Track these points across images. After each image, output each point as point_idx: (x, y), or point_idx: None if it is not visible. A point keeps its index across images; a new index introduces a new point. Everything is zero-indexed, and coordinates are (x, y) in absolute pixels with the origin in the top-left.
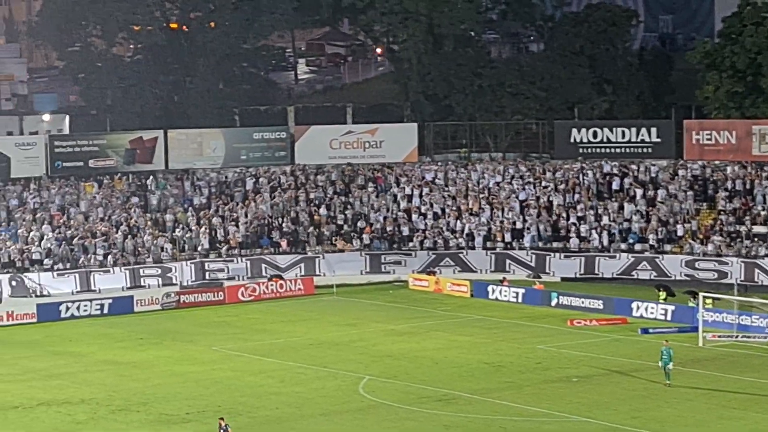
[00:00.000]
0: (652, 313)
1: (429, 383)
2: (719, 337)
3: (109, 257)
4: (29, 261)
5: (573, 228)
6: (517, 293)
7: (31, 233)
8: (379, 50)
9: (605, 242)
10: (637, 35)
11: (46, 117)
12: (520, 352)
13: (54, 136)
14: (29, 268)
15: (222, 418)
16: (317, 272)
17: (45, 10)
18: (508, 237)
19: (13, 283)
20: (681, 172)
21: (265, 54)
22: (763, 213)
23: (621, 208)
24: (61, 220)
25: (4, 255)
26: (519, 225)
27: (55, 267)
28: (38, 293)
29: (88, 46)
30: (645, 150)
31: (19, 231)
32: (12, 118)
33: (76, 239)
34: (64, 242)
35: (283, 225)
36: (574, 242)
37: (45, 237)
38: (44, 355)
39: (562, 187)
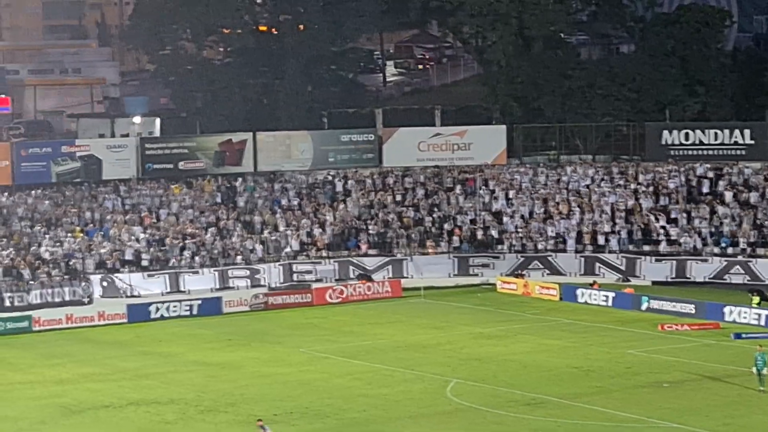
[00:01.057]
0: (745, 317)
1: (517, 387)
2: None
3: (198, 258)
4: (120, 262)
5: (664, 231)
6: (606, 297)
7: (122, 234)
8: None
9: (697, 245)
10: (731, 36)
11: (137, 119)
12: (610, 357)
13: (144, 139)
14: (120, 268)
15: (260, 420)
16: (405, 274)
17: (136, 14)
18: (598, 240)
19: (105, 283)
20: None
21: (354, 56)
22: None
23: (713, 211)
24: (151, 222)
25: (96, 256)
26: (609, 228)
27: (146, 268)
28: (129, 294)
29: (178, 49)
30: (738, 152)
31: (111, 232)
32: (104, 120)
33: (166, 240)
34: (154, 243)
35: (371, 227)
36: (664, 246)
37: (135, 238)
38: (134, 356)
39: (652, 189)
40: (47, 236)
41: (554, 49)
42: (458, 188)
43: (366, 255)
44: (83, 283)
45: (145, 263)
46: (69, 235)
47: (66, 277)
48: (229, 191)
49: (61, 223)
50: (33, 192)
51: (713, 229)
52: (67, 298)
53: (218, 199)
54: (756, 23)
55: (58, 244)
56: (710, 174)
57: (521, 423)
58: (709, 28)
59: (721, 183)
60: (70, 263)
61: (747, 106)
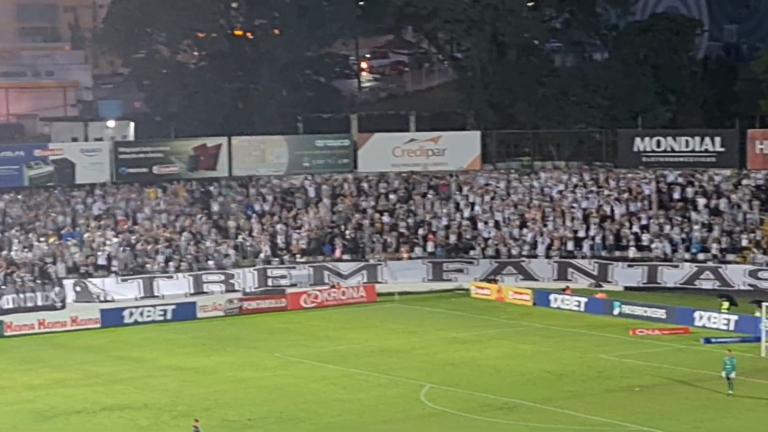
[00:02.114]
0: (714, 322)
1: (491, 392)
2: None
3: (172, 263)
4: (93, 266)
5: (635, 237)
6: (579, 302)
7: (96, 239)
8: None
9: (668, 251)
10: (702, 44)
11: (111, 123)
12: (582, 361)
13: (118, 143)
14: (93, 273)
15: (197, 420)
16: (379, 279)
17: (110, 17)
18: (570, 246)
19: (78, 288)
20: (745, 182)
21: (329, 61)
22: None
23: (684, 217)
24: (125, 226)
25: (69, 260)
26: (582, 234)
27: (119, 272)
28: (102, 299)
29: (152, 53)
30: (709, 159)
31: (84, 236)
32: (77, 124)
33: (139, 245)
34: (127, 248)
35: (346, 232)
36: (636, 251)
37: (109, 243)
38: (108, 360)
39: (625, 196)
40: (19, 240)
41: (528, 56)
42: (432, 194)
43: (341, 260)
44: (56, 288)
45: (118, 268)
46: (42, 239)
47: (38, 281)
48: (203, 196)
49: (33, 227)
50: (5, 196)
51: (684, 236)
52: (39, 302)
53: (192, 204)
54: (726, 32)
55: (30, 248)
56: (681, 180)
57: (495, 427)
58: (680, 37)
59: (691, 190)
60: (43, 268)
61: (718, 114)
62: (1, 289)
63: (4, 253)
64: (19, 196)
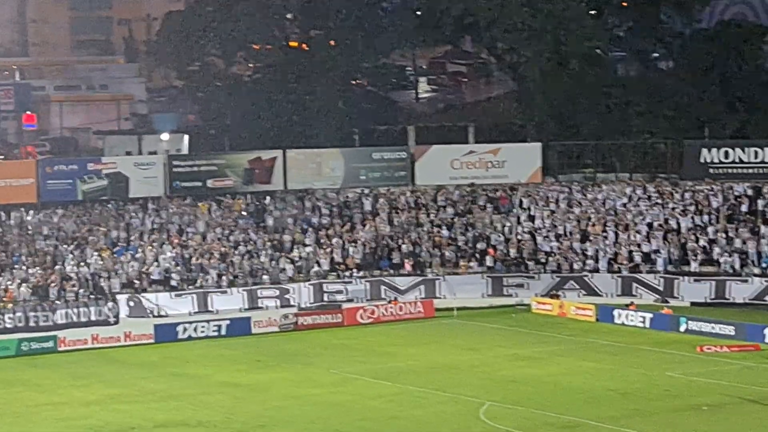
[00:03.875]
0: None
1: (552, 409)
2: None
3: (226, 278)
4: (147, 281)
5: (703, 251)
6: (644, 318)
7: (150, 253)
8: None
9: (737, 266)
10: None
11: (165, 137)
12: (648, 379)
13: (173, 156)
14: (147, 288)
15: None
16: (437, 294)
17: (164, 29)
18: (635, 260)
19: (131, 303)
20: None
21: (386, 72)
22: None
23: (753, 230)
24: (179, 241)
25: (123, 275)
26: (646, 248)
27: (173, 287)
28: (156, 314)
29: (206, 65)
30: None
31: (138, 251)
32: (131, 137)
33: (193, 259)
34: (182, 262)
35: (403, 246)
36: (704, 266)
37: (163, 257)
38: (161, 377)
39: (691, 208)
40: (73, 255)
41: (591, 66)
42: (491, 207)
43: (398, 275)
44: (110, 303)
45: (172, 283)
46: (95, 254)
47: (92, 296)
48: (258, 209)
49: (87, 241)
50: (59, 210)
51: (753, 249)
52: (93, 317)
53: (248, 218)
54: None
55: (84, 263)
56: (750, 193)
57: None
58: (748, 45)
59: (761, 202)
60: (97, 282)
61: None
62: (55, 304)
63: (58, 267)
64: (73, 210)
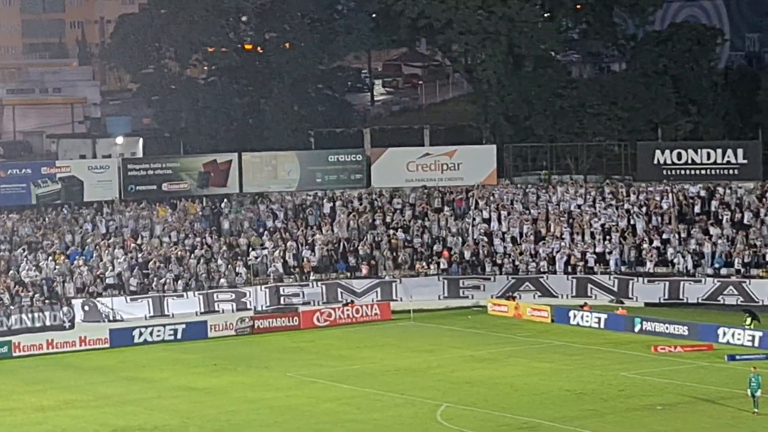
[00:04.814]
0: (739, 339)
1: (509, 411)
2: None
3: (182, 281)
4: (102, 286)
5: (656, 252)
6: (599, 319)
7: (104, 258)
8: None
9: (690, 266)
10: (723, 54)
11: (120, 140)
12: (603, 379)
13: (127, 160)
14: (102, 292)
15: None
16: (394, 297)
17: (118, 32)
18: (589, 261)
19: (86, 308)
20: None
21: (341, 75)
22: None
23: (706, 231)
24: (134, 245)
25: (78, 280)
26: (601, 249)
27: (129, 292)
28: (111, 318)
29: (161, 68)
30: (731, 172)
31: (93, 255)
32: (85, 141)
33: (149, 263)
34: (137, 267)
35: (360, 249)
36: (658, 267)
37: (118, 261)
38: (117, 381)
39: (644, 210)
40: (27, 260)
41: (545, 68)
42: (448, 209)
43: (355, 277)
44: (65, 308)
45: (128, 287)
46: (50, 258)
47: (47, 301)
48: (213, 213)
49: (41, 246)
50: (12, 215)
51: (706, 250)
52: (48, 323)
53: (203, 222)
54: (748, 41)
55: (38, 267)
56: (703, 194)
57: None
58: (701, 47)
59: (714, 203)
60: (51, 287)
61: (740, 125)
62: (9, 309)
63: (12, 272)
64: (27, 215)
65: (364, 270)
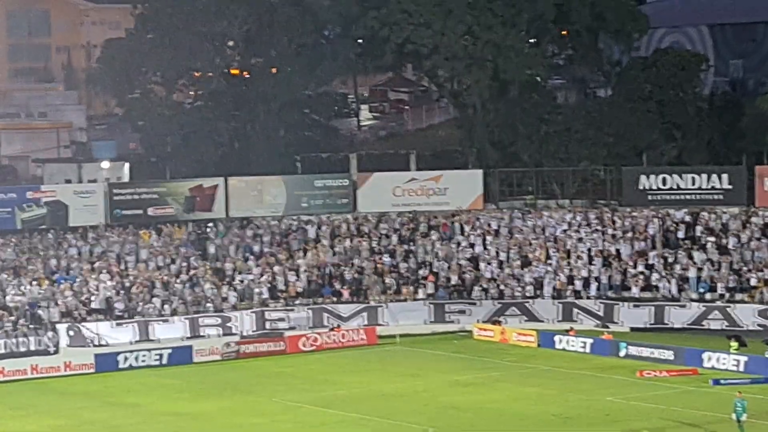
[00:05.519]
0: (724, 363)
1: None
2: None
3: (168, 306)
4: (87, 310)
5: (642, 277)
6: (584, 343)
7: (90, 282)
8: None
9: (675, 291)
10: (707, 80)
11: (105, 165)
12: (589, 404)
13: (113, 184)
14: (87, 317)
15: None
16: (380, 322)
17: (104, 56)
18: (575, 286)
19: (71, 332)
20: (753, 220)
21: (328, 100)
22: None
23: (691, 256)
24: (119, 269)
25: (62, 304)
26: (586, 273)
27: (114, 316)
28: (96, 343)
29: (147, 92)
30: (716, 197)
31: (77, 280)
32: (71, 165)
33: (134, 288)
34: (122, 291)
35: (346, 274)
36: (643, 291)
37: (103, 286)
38: (102, 406)
39: (630, 234)
40: (11, 284)
41: (530, 93)
42: (434, 234)
43: (341, 302)
44: (49, 333)
45: (113, 312)
46: (34, 283)
47: (31, 326)
48: (199, 237)
49: (26, 271)
50: None
51: (691, 275)
52: (32, 347)
53: (188, 246)
54: (732, 67)
55: (22, 292)
56: (688, 219)
57: None
58: (685, 72)
59: (698, 228)
60: (36, 312)
61: (724, 151)
62: None
63: None
64: (12, 239)
65: (345, 294)
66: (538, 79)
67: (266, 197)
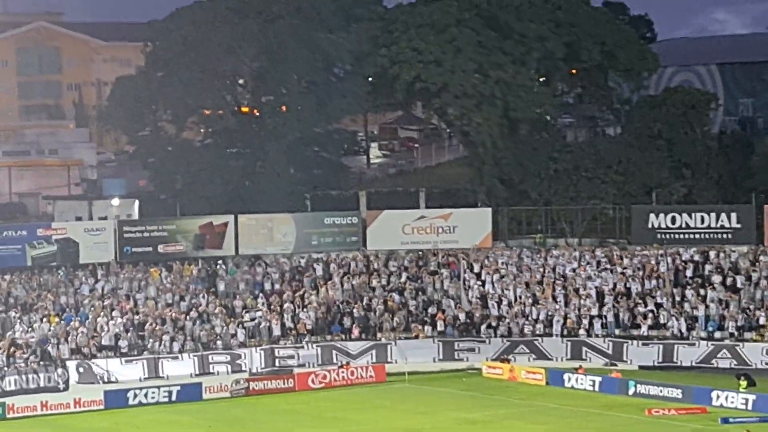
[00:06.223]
0: (732, 402)
1: None
2: None
3: (177, 343)
4: (97, 347)
5: (651, 315)
6: (593, 381)
7: (100, 319)
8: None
9: (684, 330)
10: (717, 119)
11: (116, 202)
12: None
13: (123, 222)
14: (97, 354)
15: None
16: (389, 359)
17: (114, 94)
18: (584, 324)
19: (81, 369)
20: (762, 259)
21: (337, 138)
22: None
23: (700, 295)
24: (129, 306)
25: (72, 341)
26: (595, 312)
27: (123, 353)
28: (106, 380)
29: (158, 130)
30: (725, 236)
31: (88, 317)
32: (81, 203)
33: (144, 325)
34: (132, 328)
35: (355, 311)
36: (651, 330)
37: (113, 323)
38: None
39: (639, 273)
40: (21, 321)
41: (540, 132)
42: (443, 272)
43: (350, 339)
44: (59, 369)
45: (123, 348)
46: (44, 320)
47: (41, 363)
48: (209, 275)
49: (36, 307)
50: (7, 276)
51: (700, 313)
52: (42, 384)
53: (198, 284)
54: (742, 106)
55: (32, 329)
56: (697, 257)
57: None
58: (695, 111)
59: (707, 266)
60: (46, 349)
61: (733, 190)
62: (3, 370)
63: (7, 334)
64: (22, 276)
65: (355, 331)
66: (548, 117)
67: (276, 235)
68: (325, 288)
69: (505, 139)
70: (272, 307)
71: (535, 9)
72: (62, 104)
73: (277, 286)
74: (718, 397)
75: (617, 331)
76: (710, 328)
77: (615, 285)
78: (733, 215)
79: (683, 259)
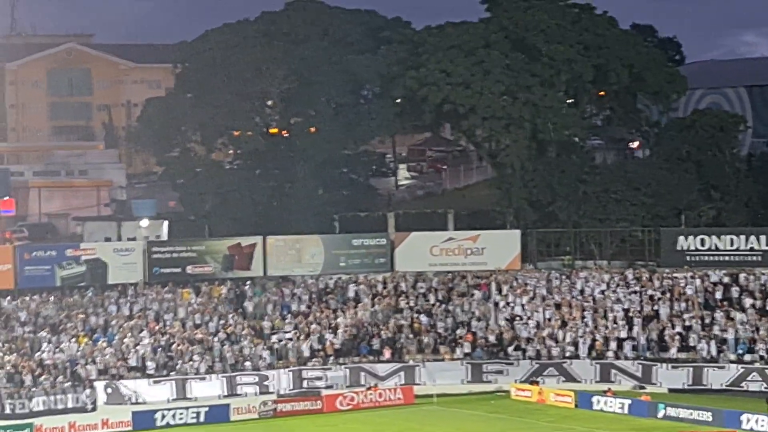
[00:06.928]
0: (762, 425)
1: None
2: None
3: (203, 364)
4: (125, 368)
5: (680, 338)
6: (622, 404)
7: (128, 340)
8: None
9: (714, 353)
10: (746, 141)
11: (145, 223)
12: None
13: (152, 242)
14: (125, 375)
15: None
16: (417, 381)
17: (144, 115)
18: (613, 346)
19: (109, 390)
20: None
21: (366, 159)
22: None
23: (729, 317)
24: (158, 327)
25: (100, 362)
26: (624, 334)
27: (151, 374)
28: (134, 401)
29: (187, 151)
30: (754, 258)
31: (116, 338)
32: (110, 223)
33: (173, 346)
34: (160, 349)
35: (383, 333)
36: (681, 352)
37: (141, 344)
38: None
39: (668, 295)
40: (50, 341)
41: (568, 154)
42: (472, 294)
43: (378, 361)
44: (87, 390)
45: (150, 370)
46: (73, 340)
47: (69, 383)
48: (238, 296)
49: (65, 328)
50: (36, 296)
51: (729, 336)
52: (70, 405)
53: (227, 305)
54: None
55: (61, 349)
56: (726, 280)
57: None
58: (723, 133)
59: (737, 289)
60: (74, 369)
61: (762, 212)
62: (32, 391)
63: (36, 354)
64: (51, 297)
65: (387, 354)
66: (576, 139)
67: (304, 256)
68: (353, 309)
69: (533, 160)
70: (300, 328)
71: (563, 31)
72: (92, 125)
73: (304, 308)
74: (748, 420)
75: (647, 354)
76: (740, 351)
77: (643, 307)
78: (762, 237)
79: (712, 281)
